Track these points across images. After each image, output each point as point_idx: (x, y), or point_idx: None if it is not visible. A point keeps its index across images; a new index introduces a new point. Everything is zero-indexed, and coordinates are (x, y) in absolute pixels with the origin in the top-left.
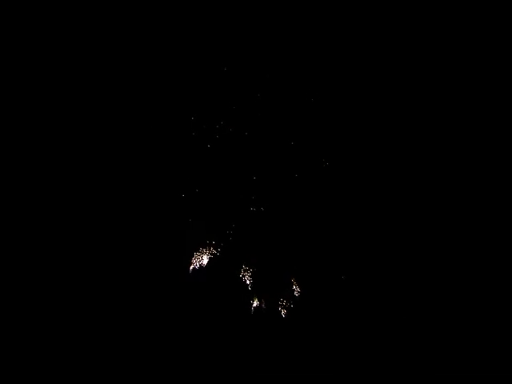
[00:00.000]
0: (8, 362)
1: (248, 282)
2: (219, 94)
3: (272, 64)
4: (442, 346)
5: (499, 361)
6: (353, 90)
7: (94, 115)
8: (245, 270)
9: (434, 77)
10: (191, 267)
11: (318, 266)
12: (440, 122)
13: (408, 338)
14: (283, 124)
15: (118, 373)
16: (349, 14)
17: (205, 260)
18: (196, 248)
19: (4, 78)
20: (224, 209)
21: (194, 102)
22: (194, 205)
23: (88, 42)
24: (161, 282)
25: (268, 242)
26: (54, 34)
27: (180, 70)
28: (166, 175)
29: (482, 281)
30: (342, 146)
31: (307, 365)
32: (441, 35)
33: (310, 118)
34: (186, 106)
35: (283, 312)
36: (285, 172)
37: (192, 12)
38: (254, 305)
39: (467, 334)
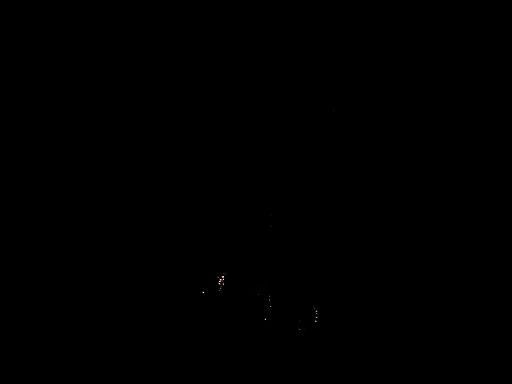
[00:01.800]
0: (8, 362)
1: (265, 296)
2: (228, 98)
3: (286, 69)
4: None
5: (499, 361)
6: (367, 93)
7: (101, 120)
8: (261, 287)
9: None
10: (205, 282)
11: (339, 280)
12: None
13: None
14: (300, 131)
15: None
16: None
17: (220, 273)
18: (211, 262)
19: (3, 78)
20: (240, 223)
21: (204, 108)
22: (208, 219)
23: (89, 42)
24: (173, 291)
25: (286, 257)
26: (53, 33)
27: (185, 74)
28: (177, 187)
29: (483, 281)
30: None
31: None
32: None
33: (325, 124)
34: (195, 113)
35: (301, 328)
36: (306, 185)
37: (197, 13)
38: (270, 319)
39: (468, 334)
